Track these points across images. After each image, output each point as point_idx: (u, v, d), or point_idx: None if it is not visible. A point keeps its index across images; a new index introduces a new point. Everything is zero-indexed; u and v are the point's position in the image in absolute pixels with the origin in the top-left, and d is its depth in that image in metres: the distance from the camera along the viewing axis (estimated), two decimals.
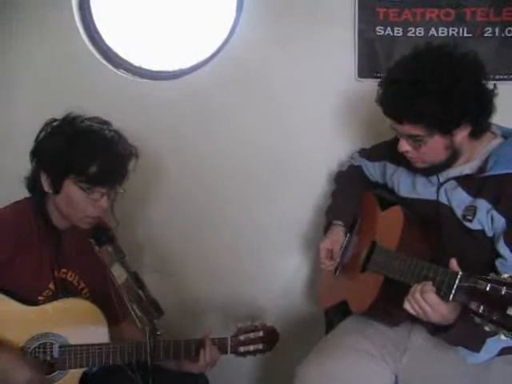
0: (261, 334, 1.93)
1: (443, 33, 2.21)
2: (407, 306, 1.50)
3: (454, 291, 1.39)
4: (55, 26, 2.60)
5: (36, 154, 1.80)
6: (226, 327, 2.40)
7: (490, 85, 1.64)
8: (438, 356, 1.71)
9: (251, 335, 1.92)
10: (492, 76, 2.17)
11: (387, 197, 2.02)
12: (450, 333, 1.51)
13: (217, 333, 1.94)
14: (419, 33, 2.23)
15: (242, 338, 1.91)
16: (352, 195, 2.09)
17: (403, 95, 1.60)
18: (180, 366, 1.89)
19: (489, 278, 1.29)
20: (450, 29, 2.21)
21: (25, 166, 1.81)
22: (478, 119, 1.63)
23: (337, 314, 2.05)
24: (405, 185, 1.88)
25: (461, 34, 2.20)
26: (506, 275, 1.27)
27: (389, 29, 2.25)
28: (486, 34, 2.18)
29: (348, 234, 2.04)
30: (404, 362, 1.77)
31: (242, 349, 1.91)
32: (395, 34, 2.25)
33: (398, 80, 1.63)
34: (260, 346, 1.93)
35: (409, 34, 2.24)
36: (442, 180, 1.74)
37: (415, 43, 2.17)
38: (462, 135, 1.63)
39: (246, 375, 2.58)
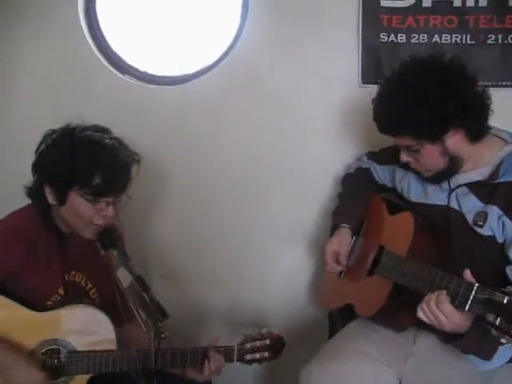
0: (267, 342, 1.91)
1: (446, 40, 2.23)
2: (421, 314, 1.51)
3: (470, 302, 1.39)
4: (60, 31, 2.61)
5: (38, 167, 1.79)
6: (230, 331, 2.42)
7: (482, 88, 1.69)
8: (443, 361, 1.72)
9: (258, 343, 1.90)
10: (495, 82, 2.21)
11: (395, 200, 2.02)
12: (462, 341, 1.52)
13: (221, 337, 1.94)
14: (422, 39, 2.25)
15: (248, 346, 1.89)
16: (359, 197, 2.09)
17: (387, 110, 1.68)
18: (185, 373, 1.88)
19: (506, 290, 1.29)
20: (454, 35, 2.22)
21: (26, 168, 1.81)
22: (468, 123, 1.64)
23: (340, 317, 2.05)
24: (415, 190, 1.88)
25: (464, 41, 2.22)
26: None
27: (392, 35, 2.27)
28: (488, 41, 2.20)
29: (354, 237, 2.04)
30: (408, 367, 1.77)
31: (248, 357, 1.89)
32: (399, 41, 2.26)
33: (384, 95, 1.71)
34: (266, 354, 1.91)
35: (412, 41, 2.25)
36: (453, 186, 1.75)
37: (418, 50, 2.23)
38: (454, 140, 1.65)
39: (250, 378, 2.59)
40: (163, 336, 1.52)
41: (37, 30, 2.65)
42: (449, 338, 1.57)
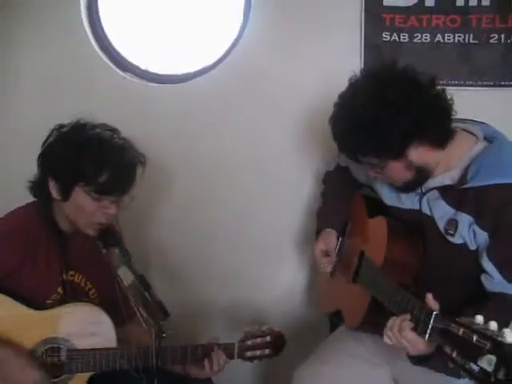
0: (268, 339, 1.91)
1: (449, 39, 2.23)
2: (386, 339, 1.47)
3: (429, 331, 1.34)
4: (62, 29, 2.60)
5: (44, 159, 1.79)
6: (230, 329, 2.42)
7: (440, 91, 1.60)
8: None
9: (258, 340, 1.90)
10: (497, 82, 2.21)
11: (373, 195, 1.99)
12: (429, 363, 1.49)
13: (221, 334, 1.95)
14: (425, 39, 2.25)
15: (249, 343, 1.90)
16: (341, 198, 2.06)
17: (343, 132, 1.62)
18: (187, 371, 1.88)
19: (462, 321, 1.22)
20: (456, 35, 2.22)
21: (27, 167, 1.81)
22: (430, 133, 1.57)
23: (339, 318, 2.04)
24: (388, 194, 1.84)
25: (467, 41, 2.22)
26: (479, 318, 1.20)
27: (395, 35, 2.27)
28: (491, 41, 2.20)
29: (340, 238, 2.02)
30: (399, 368, 1.77)
31: (248, 354, 1.90)
32: (401, 40, 2.26)
33: (339, 116, 1.64)
34: (267, 351, 1.91)
35: (415, 40, 2.25)
36: (424, 190, 1.69)
37: (421, 49, 2.23)
38: (418, 153, 1.59)
39: (250, 375, 2.59)
40: (164, 335, 1.52)
41: (38, 28, 2.64)
42: (416, 361, 1.51)
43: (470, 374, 1.17)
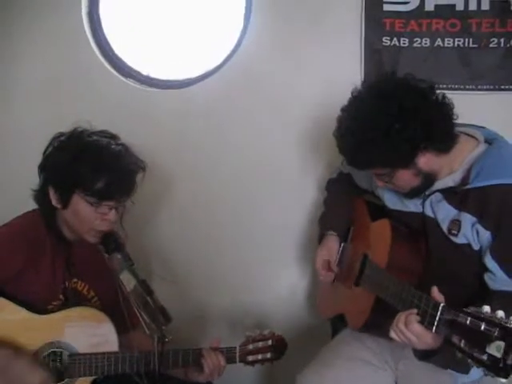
0: (269, 342, 1.91)
1: (449, 43, 2.23)
2: (393, 334, 1.49)
3: (436, 323, 1.36)
4: (63, 34, 2.62)
5: (44, 169, 1.80)
6: (232, 334, 2.42)
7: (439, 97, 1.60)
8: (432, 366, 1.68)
9: (260, 344, 1.90)
10: (497, 86, 2.21)
11: (375, 201, 2.01)
12: (436, 358, 1.50)
13: (223, 339, 1.94)
14: (425, 43, 2.25)
15: (250, 347, 1.90)
16: (344, 204, 2.08)
17: (350, 147, 1.62)
18: (188, 376, 1.88)
19: (469, 311, 1.24)
20: (456, 39, 2.23)
21: (27, 173, 1.81)
22: (436, 140, 1.58)
23: (342, 322, 2.05)
24: (390, 199, 1.85)
25: (466, 45, 2.22)
26: (486, 308, 1.21)
27: (395, 39, 2.27)
28: (491, 45, 2.20)
29: (342, 243, 2.03)
30: (401, 369, 1.78)
31: (250, 358, 1.89)
32: (401, 45, 2.27)
33: (344, 131, 1.62)
34: (268, 355, 1.91)
35: (415, 45, 2.26)
36: (427, 192, 1.71)
37: (421, 53, 2.24)
38: (424, 160, 1.60)
39: (251, 381, 2.58)
40: (167, 340, 1.52)
41: (40, 35, 2.66)
42: (423, 356, 1.53)
43: (478, 361, 1.18)
